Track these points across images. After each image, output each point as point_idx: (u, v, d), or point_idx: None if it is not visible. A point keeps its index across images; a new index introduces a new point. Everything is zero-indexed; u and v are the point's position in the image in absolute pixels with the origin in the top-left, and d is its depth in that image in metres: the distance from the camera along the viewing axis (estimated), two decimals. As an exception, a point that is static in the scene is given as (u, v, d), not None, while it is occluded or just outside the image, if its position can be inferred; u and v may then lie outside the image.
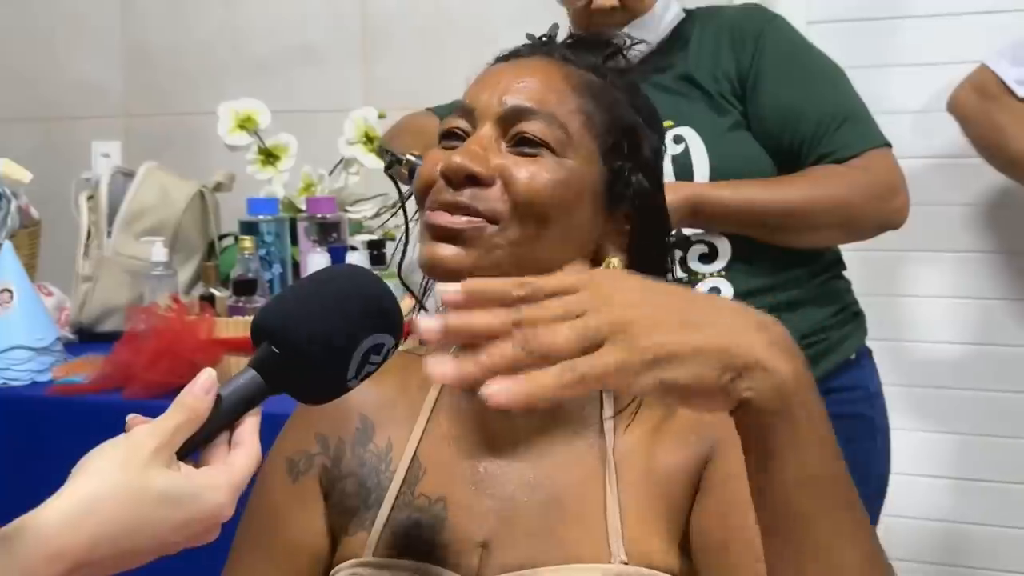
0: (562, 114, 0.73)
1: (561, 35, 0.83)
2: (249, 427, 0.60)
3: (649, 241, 0.77)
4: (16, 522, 0.52)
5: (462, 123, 0.75)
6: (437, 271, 0.72)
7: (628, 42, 0.82)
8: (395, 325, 0.63)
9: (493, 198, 0.71)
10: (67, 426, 1.38)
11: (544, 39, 0.81)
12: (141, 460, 0.54)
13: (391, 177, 1.00)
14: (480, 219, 0.70)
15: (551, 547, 0.73)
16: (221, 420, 0.59)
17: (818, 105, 1.24)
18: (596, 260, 0.76)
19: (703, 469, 0.73)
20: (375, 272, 1.24)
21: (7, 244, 1.56)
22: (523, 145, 0.72)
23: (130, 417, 0.57)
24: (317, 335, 0.60)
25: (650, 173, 0.77)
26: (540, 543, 0.73)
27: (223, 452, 0.59)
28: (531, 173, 0.71)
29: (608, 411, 0.76)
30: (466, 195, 0.71)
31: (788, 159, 1.25)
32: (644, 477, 0.74)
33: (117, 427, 0.59)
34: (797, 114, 1.24)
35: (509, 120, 0.73)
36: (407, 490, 0.76)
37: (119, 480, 0.53)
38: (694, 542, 0.72)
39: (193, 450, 0.58)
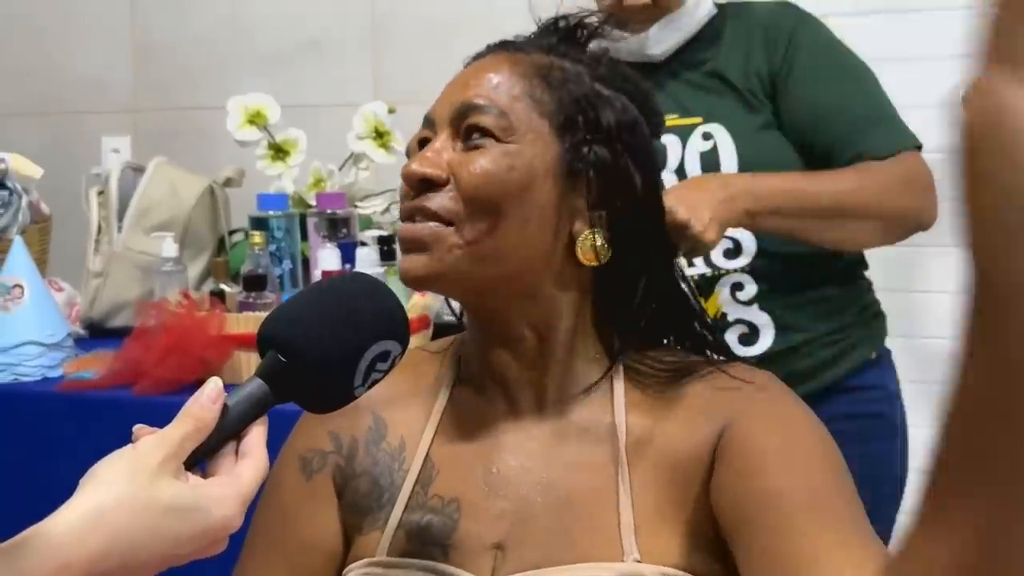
0: (504, 101, 0.74)
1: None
2: (256, 437, 0.59)
3: (624, 211, 0.76)
4: (24, 533, 0.52)
5: (426, 132, 0.77)
6: (408, 282, 0.75)
7: (606, 20, 0.82)
8: (401, 332, 0.63)
9: (446, 199, 0.73)
10: (78, 421, 1.39)
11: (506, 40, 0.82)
12: (149, 471, 0.54)
13: None
14: (436, 222, 0.72)
15: (565, 547, 0.72)
16: (228, 430, 0.58)
17: (851, 105, 1.24)
18: (571, 239, 0.75)
19: (715, 446, 0.72)
20: (386, 266, 1.24)
21: (18, 240, 1.56)
22: (469, 139, 0.74)
23: (137, 427, 0.57)
24: (323, 343, 0.60)
25: (613, 140, 0.76)
26: (554, 543, 0.73)
27: (230, 462, 0.59)
28: (475, 166, 0.73)
29: (621, 412, 0.75)
30: (423, 199, 0.73)
31: (819, 159, 1.24)
32: (657, 473, 0.73)
33: (128, 422, 0.59)
34: (830, 114, 1.23)
35: (458, 120, 0.75)
36: (420, 490, 0.76)
37: (127, 491, 0.53)
38: (725, 518, 0.70)
39: (200, 460, 0.58)
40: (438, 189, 0.73)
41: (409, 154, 0.79)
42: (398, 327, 0.63)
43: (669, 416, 0.75)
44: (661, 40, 1.28)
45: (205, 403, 0.57)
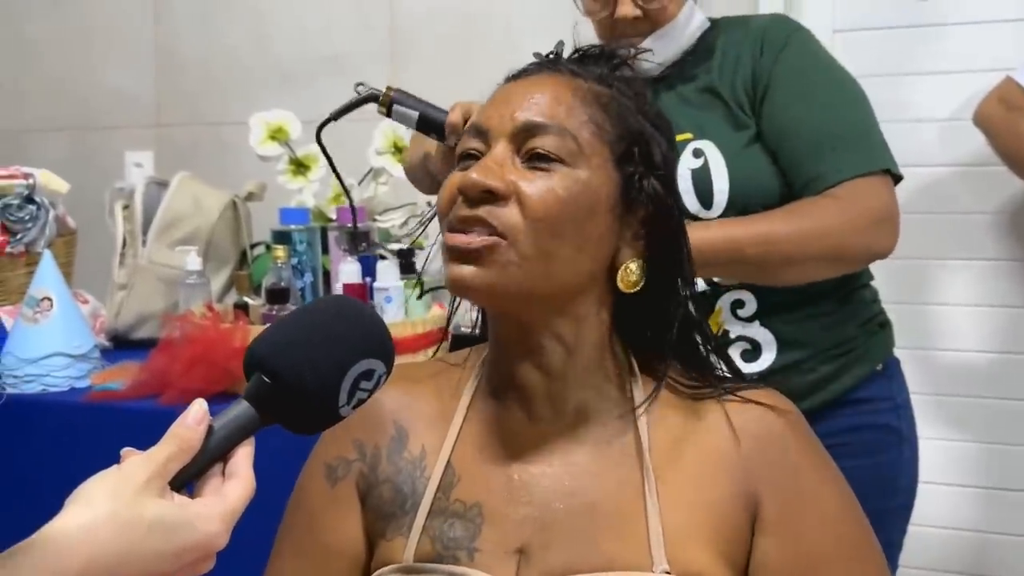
0: (572, 126, 0.74)
1: (570, 49, 0.84)
2: (243, 458, 0.59)
3: (665, 243, 0.78)
4: (10, 549, 0.52)
5: (477, 144, 0.77)
6: (459, 291, 0.75)
7: (633, 52, 0.83)
8: (385, 351, 0.64)
9: (508, 215, 0.72)
10: (105, 431, 1.40)
11: (550, 56, 0.83)
12: (133, 489, 0.54)
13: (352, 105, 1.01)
14: (494, 237, 0.72)
15: (590, 554, 0.73)
16: (214, 451, 0.59)
17: (815, 126, 1.20)
18: (613, 266, 0.77)
19: (755, 509, 0.76)
20: (405, 279, 1.26)
21: (47, 253, 1.59)
22: (536, 160, 0.74)
23: (124, 450, 0.58)
24: (305, 363, 0.60)
25: (662, 176, 0.78)
26: (579, 550, 0.74)
27: (217, 483, 0.59)
28: (545, 188, 0.73)
29: (642, 423, 0.77)
30: (482, 211, 0.73)
31: (786, 178, 1.22)
32: (683, 491, 0.75)
33: (154, 432, 0.60)
34: (794, 133, 1.21)
35: (521, 136, 0.74)
36: (442, 496, 0.78)
37: (111, 509, 0.53)
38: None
39: (188, 481, 0.58)
40: (498, 203, 0.73)
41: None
42: (381, 346, 0.63)
43: (689, 438, 0.77)
44: (653, 54, 1.27)
45: (190, 424, 0.57)
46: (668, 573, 0.72)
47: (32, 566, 0.51)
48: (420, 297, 1.49)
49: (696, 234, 1.16)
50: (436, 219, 0.88)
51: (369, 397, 0.63)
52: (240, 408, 0.60)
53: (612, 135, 0.76)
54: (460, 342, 1.34)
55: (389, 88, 1.18)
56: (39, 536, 0.53)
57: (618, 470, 0.76)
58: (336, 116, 1.07)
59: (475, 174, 0.73)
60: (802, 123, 1.21)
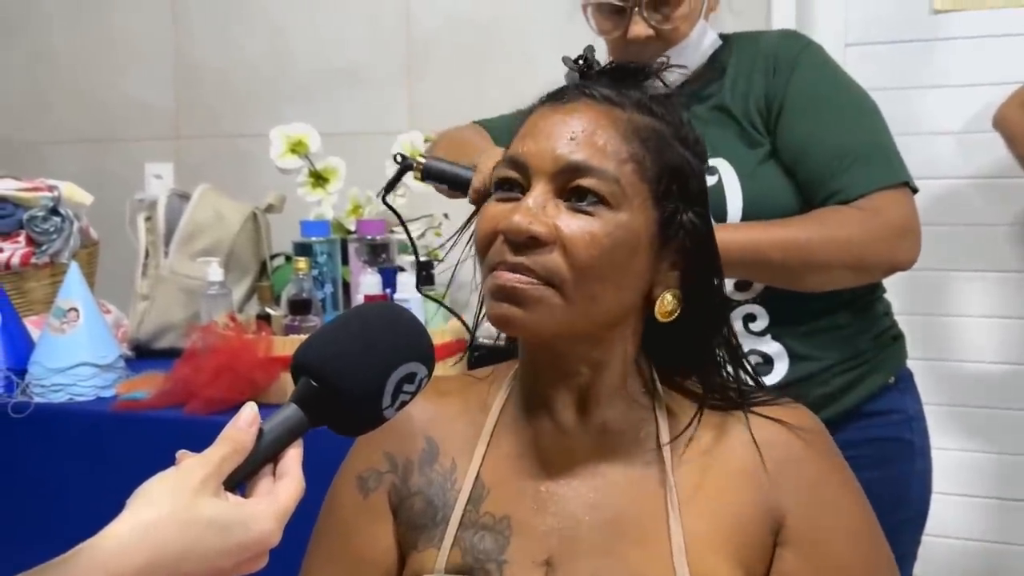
0: (614, 166, 0.74)
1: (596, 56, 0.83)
2: (292, 459, 0.62)
3: (701, 271, 0.79)
4: (75, 549, 0.54)
5: (515, 175, 0.76)
6: (505, 329, 0.77)
7: (666, 63, 0.83)
8: (425, 354, 0.66)
9: (553, 263, 0.72)
10: (131, 440, 1.43)
11: (582, 65, 0.82)
12: (190, 488, 0.57)
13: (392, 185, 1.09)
14: (540, 284, 0.73)
15: (615, 565, 0.75)
16: (264, 453, 0.61)
17: (833, 141, 1.21)
18: (649, 298, 0.78)
19: (778, 520, 0.77)
20: (425, 292, 1.29)
21: (74, 265, 1.61)
22: (579, 201, 0.74)
23: (180, 452, 0.60)
24: (350, 367, 0.63)
25: (699, 207, 0.79)
26: (603, 562, 0.75)
27: (268, 483, 0.61)
28: (589, 236, 0.73)
29: (665, 436, 0.79)
30: (527, 259, 0.73)
31: (803, 191, 1.22)
32: (705, 504, 0.77)
33: (179, 441, 0.63)
34: (811, 150, 1.21)
35: (563, 177, 0.74)
36: (472, 509, 0.79)
37: (170, 507, 0.56)
38: None
39: (240, 482, 0.60)
40: (542, 249, 0.73)
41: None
42: (422, 349, 0.66)
43: (717, 451, 0.79)
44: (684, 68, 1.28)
45: (242, 426, 0.60)
46: None
47: (97, 563, 0.54)
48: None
49: (720, 235, 1.18)
50: (459, 231, 0.91)
51: (412, 399, 0.66)
52: (289, 411, 0.63)
53: (652, 172, 0.75)
54: (479, 352, 1.36)
55: (419, 155, 1.26)
56: (103, 534, 0.55)
57: (642, 483, 0.78)
58: (387, 190, 1.14)
59: (519, 218, 0.73)
60: (819, 140, 1.21)
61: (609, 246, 0.73)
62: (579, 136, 0.75)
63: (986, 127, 1.75)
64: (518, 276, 0.73)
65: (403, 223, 1.21)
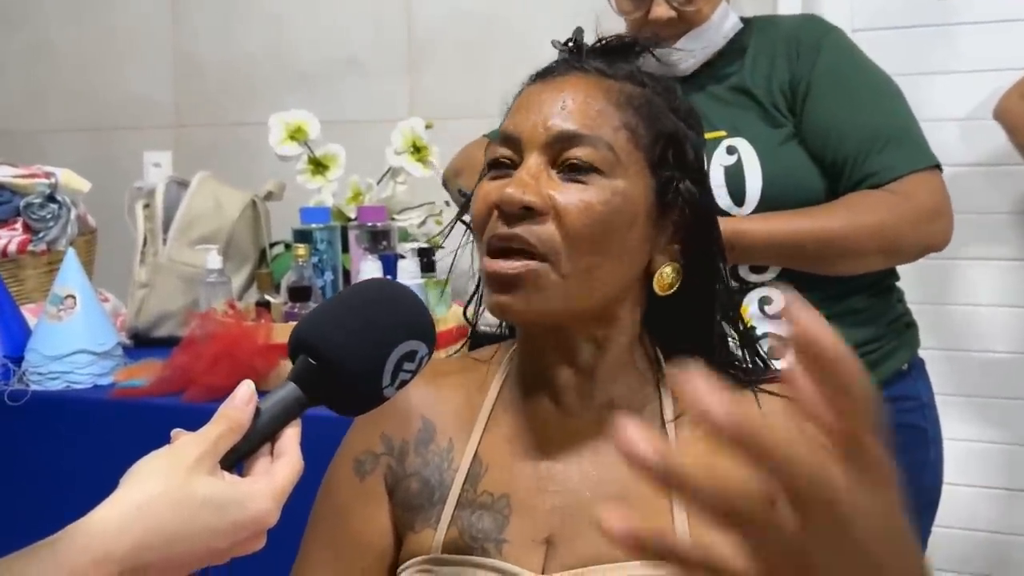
0: (608, 133, 0.72)
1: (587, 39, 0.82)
2: (290, 438, 0.61)
3: (700, 242, 0.78)
4: (67, 527, 0.53)
5: (507, 151, 0.75)
6: (504, 318, 0.76)
7: (654, 42, 0.82)
8: (426, 332, 0.65)
9: (546, 233, 0.71)
10: (129, 427, 1.41)
11: (571, 47, 0.81)
12: (185, 467, 0.56)
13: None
14: (534, 261, 0.71)
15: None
16: (262, 432, 0.60)
17: (863, 125, 1.22)
18: (648, 272, 0.77)
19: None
20: (425, 278, 1.27)
21: (70, 251, 1.60)
22: (573, 171, 0.72)
23: (175, 431, 0.59)
24: (349, 344, 0.62)
25: (696, 176, 0.78)
26: (605, 539, 0.74)
27: (266, 462, 0.60)
28: (583, 203, 0.71)
29: (669, 412, 0.77)
30: (520, 229, 0.71)
31: (831, 175, 1.23)
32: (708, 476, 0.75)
33: (177, 428, 0.60)
34: (841, 133, 1.22)
35: (556, 147, 0.73)
36: (470, 488, 0.78)
37: (164, 486, 0.55)
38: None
39: (237, 462, 0.59)
40: (536, 219, 0.71)
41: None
42: (423, 327, 0.65)
43: None
44: (687, 54, 1.29)
45: (238, 404, 0.59)
46: None
47: (87, 543, 0.52)
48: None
49: (755, 225, 1.16)
50: (460, 223, 0.89)
51: (412, 378, 0.64)
52: (286, 390, 0.62)
53: (647, 139, 0.74)
54: (481, 340, 1.35)
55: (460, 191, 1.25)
56: (94, 514, 0.54)
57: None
58: (452, 224, 1.10)
59: (511, 189, 0.71)
60: (850, 122, 1.22)
61: (605, 213, 0.72)
62: (570, 106, 0.74)
63: (992, 114, 1.74)
64: (510, 263, 0.71)
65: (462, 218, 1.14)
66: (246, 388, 0.60)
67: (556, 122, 0.73)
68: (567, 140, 0.72)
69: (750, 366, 0.81)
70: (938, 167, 1.23)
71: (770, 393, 0.78)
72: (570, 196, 0.72)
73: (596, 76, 0.76)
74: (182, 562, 0.56)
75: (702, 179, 0.79)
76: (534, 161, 0.73)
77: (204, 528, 0.55)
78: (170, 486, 0.55)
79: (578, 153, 0.72)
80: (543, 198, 0.71)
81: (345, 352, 0.61)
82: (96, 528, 0.53)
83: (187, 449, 0.57)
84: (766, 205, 1.22)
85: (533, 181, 0.72)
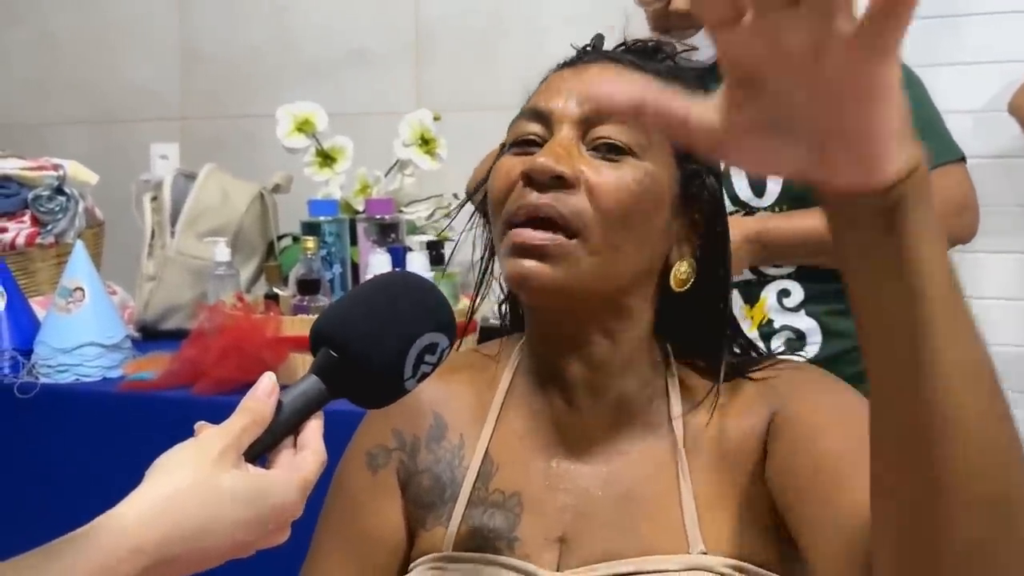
0: None
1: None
2: (313, 430, 0.61)
3: (716, 240, 0.78)
4: (95, 521, 0.53)
5: (537, 128, 0.74)
6: (525, 287, 0.71)
7: (680, 47, 0.82)
8: (447, 325, 0.64)
9: (578, 204, 0.69)
10: (138, 420, 1.42)
11: (590, 48, 0.81)
12: (210, 460, 0.56)
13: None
14: (561, 235, 0.70)
15: (629, 540, 0.73)
16: (284, 424, 0.60)
17: None
18: (666, 267, 0.76)
19: (767, 430, 0.73)
20: (435, 271, 1.26)
21: (79, 244, 1.59)
22: (605, 149, 0.71)
23: (199, 424, 0.59)
24: (370, 337, 0.61)
25: (717, 173, 0.78)
26: (618, 536, 0.74)
27: (289, 454, 0.60)
28: (617, 178, 0.70)
29: (676, 409, 0.77)
30: (550, 197, 0.69)
31: None
32: (715, 462, 0.75)
33: (187, 421, 0.61)
34: None
35: (589, 123, 0.72)
36: (481, 486, 0.78)
37: (191, 479, 0.55)
38: (781, 491, 0.70)
39: (260, 454, 0.59)
40: (567, 190, 0.70)
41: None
42: (444, 320, 0.64)
43: (722, 411, 0.76)
44: (707, 45, 1.29)
45: (261, 397, 0.59)
46: (705, 553, 0.71)
47: (116, 537, 0.52)
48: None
49: (780, 223, 1.15)
50: (463, 210, 0.89)
51: (433, 370, 0.64)
52: (308, 382, 0.62)
53: None
54: (486, 334, 1.35)
55: None
56: (121, 507, 0.54)
57: (654, 456, 0.76)
58: (461, 207, 1.11)
59: (543, 158, 0.69)
60: None
61: (637, 192, 0.71)
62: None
63: (1005, 106, 1.73)
64: (539, 233, 0.70)
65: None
66: (268, 380, 0.60)
67: (588, 100, 0.72)
68: (602, 118, 0.71)
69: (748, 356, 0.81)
70: (963, 160, 1.23)
71: (768, 371, 0.77)
72: (603, 173, 0.70)
73: (628, 66, 0.76)
74: (209, 555, 0.56)
75: (721, 177, 0.79)
76: (565, 134, 0.72)
77: (231, 520, 0.55)
78: (197, 479, 0.55)
79: (612, 131, 0.71)
80: (575, 171, 0.70)
81: (367, 345, 0.61)
82: (124, 522, 0.53)
83: (212, 442, 0.57)
84: (786, 197, 1.22)
85: (564, 153, 0.71)
